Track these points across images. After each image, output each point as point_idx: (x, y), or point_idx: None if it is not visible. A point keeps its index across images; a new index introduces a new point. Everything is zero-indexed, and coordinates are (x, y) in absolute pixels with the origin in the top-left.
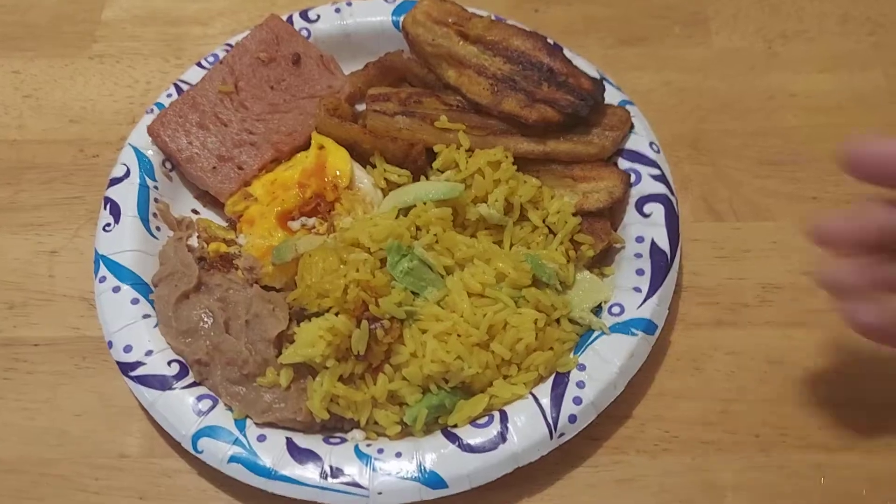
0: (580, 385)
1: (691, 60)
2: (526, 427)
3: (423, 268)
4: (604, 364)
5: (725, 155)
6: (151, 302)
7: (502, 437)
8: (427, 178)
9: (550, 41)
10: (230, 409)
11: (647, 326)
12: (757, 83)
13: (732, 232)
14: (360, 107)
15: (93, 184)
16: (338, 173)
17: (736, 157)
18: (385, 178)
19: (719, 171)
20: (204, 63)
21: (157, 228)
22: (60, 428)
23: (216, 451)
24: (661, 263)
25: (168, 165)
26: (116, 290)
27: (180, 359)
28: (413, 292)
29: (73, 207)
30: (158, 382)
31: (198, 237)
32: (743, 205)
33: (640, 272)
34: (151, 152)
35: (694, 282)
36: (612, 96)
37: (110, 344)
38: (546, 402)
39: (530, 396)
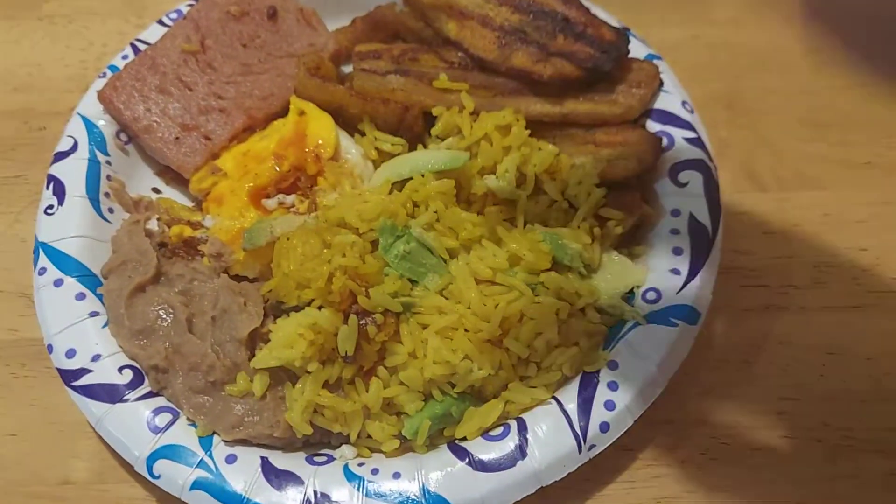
0: (612, 386)
1: (721, 11)
2: (549, 439)
3: (421, 251)
4: (640, 361)
5: (766, 116)
6: (100, 297)
7: (521, 451)
8: (425, 147)
9: None
10: (193, 423)
11: (689, 315)
12: (795, 37)
13: (778, 203)
14: (347, 68)
15: (38, 160)
16: (320, 142)
17: (778, 119)
18: (376, 148)
19: (760, 134)
20: (166, 20)
21: (110, 210)
22: None
23: (176, 476)
24: (701, 240)
25: (123, 137)
26: (59, 283)
27: (134, 364)
28: (410, 280)
29: (13, 188)
30: (107, 393)
31: (158, 220)
32: (788, 172)
33: (677, 251)
34: (103, 122)
35: (737, 261)
36: (636, 50)
37: (50, 348)
38: (572, 407)
39: (553, 401)
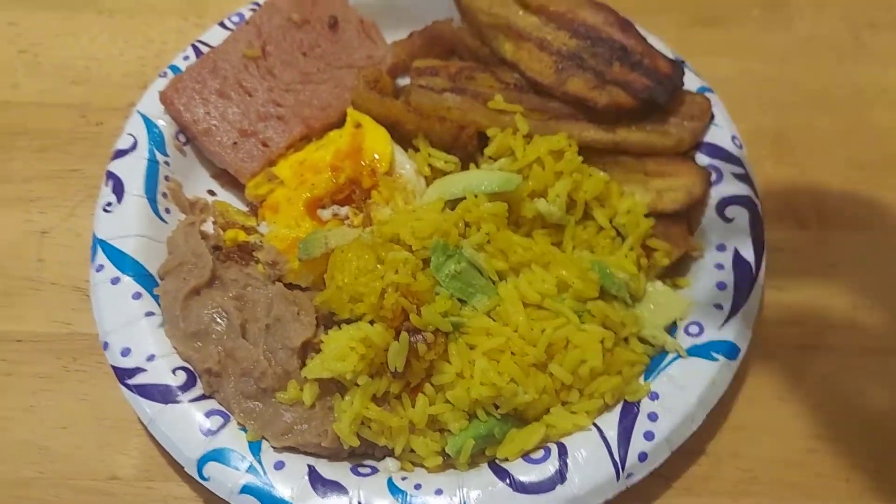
0: (652, 417)
1: (772, 47)
2: (588, 464)
3: (472, 271)
4: (680, 393)
5: (811, 154)
6: (156, 297)
7: (561, 475)
8: (478, 166)
9: (622, 15)
10: (244, 428)
11: (730, 350)
12: (844, 75)
13: (819, 242)
14: (403, 81)
15: (94, 155)
16: (376, 157)
17: (823, 158)
18: (430, 164)
19: (804, 172)
20: (227, 23)
21: (167, 211)
22: (41, 442)
23: (225, 479)
24: (745, 277)
25: (182, 138)
26: (115, 281)
27: (188, 366)
28: (460, 300)
29: (69, 181)
30: (161, 393)
31: (213, 222)
32: (831, 211)
33: (721, 286)
34: (163, 122)
35: (776, 298)
36: (689, 82)
37: (105, 345)
38: (612, 435)
39: (594, 428)
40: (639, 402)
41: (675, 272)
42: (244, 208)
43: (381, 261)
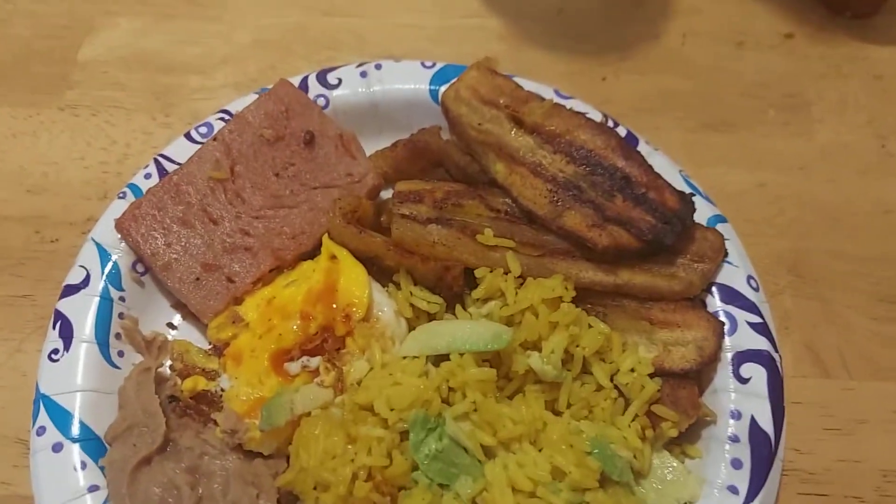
0: None
1: (790, 156)
2: None
3: (455, 449)
4: None
5: (834, 286)
6: (102, 468)
7: None
8: (465, 307)
9: (624, 131)
10: None
11: None
12: (870, 191)
13: (844, 394)
14: (386, 193)
15: (48, 278)
16: (352, 301)
17: (847, 290)
18: (412, 305)
19: (827, 307)
20: (195, 135)
21: (120, 354)
22: None
23: None
24: (763, 453)
25: (140, 268)
26: (58, 448)
27: None
28: (440, 484)
29: (19, 310)
30: None
31: (170, 367)
32: (858, 357)
33: (736, 464)
34: (119, 252)
35: (796, 462)
36: (700, 210)
37: None
38: None
39: None
40: None
41: (684, 439)
42: (206, 345)
43: (351, 439)
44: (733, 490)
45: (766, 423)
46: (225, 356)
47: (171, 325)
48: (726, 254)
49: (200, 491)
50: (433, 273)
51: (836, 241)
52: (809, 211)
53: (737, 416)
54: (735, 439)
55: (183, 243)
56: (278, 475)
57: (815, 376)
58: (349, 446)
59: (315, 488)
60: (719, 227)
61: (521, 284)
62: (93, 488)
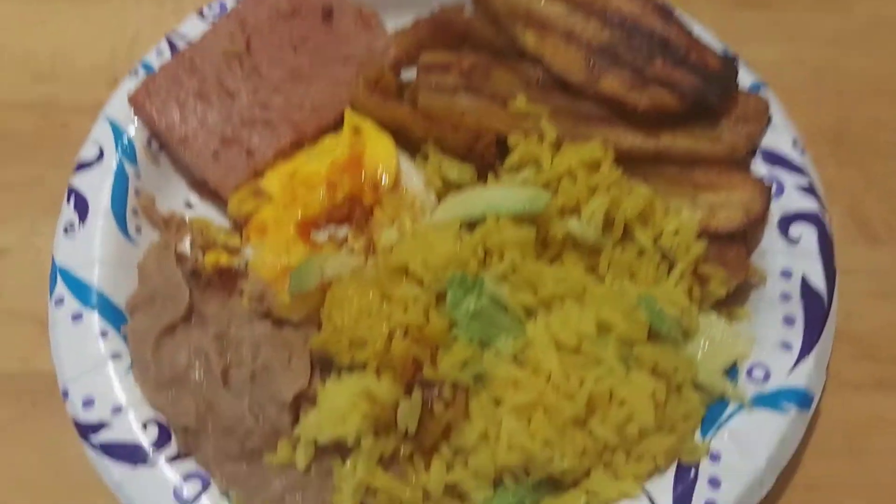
0: (714, 483)
1: (827, 30)
2: None
3: (495, 308)
4: (745, 453)
5: (877, 154)
6: (124, 336)
7: None
8: (497, 178)
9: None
10: (227, 495)
11: (802, 399)
12: None
13: (891, 259)
14: (408, 74)
15: (59, 162)
16: (379, 169)
17: (890, 158)
18: (441, 177)
19: (871, 175)
20: (207, 13)
21: (138, 230)
22: None
23: None
24: (816, 310)
25: (155, 145)
26: (78, 317)
27: (161, 418)
28: (481, 342)
29: (31, 192)
30: (129, 454)
31: (191, 243)
32: None
33: (788, 321)
34: (134, 128)
35: (846, 327)
36: (740, 78)
37: (65, 394)
38: None
39: (644, 496)
40: (696, 465)
41: (731, 302)
42: (226, 223)
43: (386, 298)
44: (786, 346)
45: (819, 281)
46: (248, 228)
47: (188, 205)
48: (770, 118)
49: (229, 357)
50: (463, 142)
51: (877, 111)
52: (849, 84)
53: (787, 275)
54: (786, 297)
55: (199, 117)
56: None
57: (862, 243)
58: (384, 305)
59: (350, 347)
60: (761, 93)
61: (558, 151)
62: (115, 356)
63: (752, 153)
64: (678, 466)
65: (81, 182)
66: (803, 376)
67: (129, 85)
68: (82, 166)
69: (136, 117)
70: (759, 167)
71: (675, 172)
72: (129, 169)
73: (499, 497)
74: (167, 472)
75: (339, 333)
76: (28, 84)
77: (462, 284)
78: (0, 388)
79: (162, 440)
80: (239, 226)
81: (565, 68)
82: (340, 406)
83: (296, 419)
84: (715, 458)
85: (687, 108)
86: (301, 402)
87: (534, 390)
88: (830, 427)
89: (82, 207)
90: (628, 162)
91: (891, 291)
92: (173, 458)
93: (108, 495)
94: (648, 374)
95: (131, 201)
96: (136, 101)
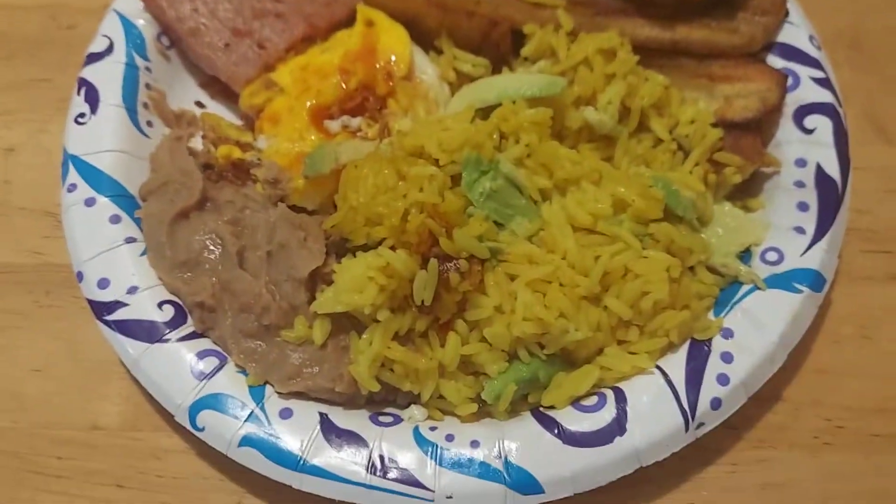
0: (726, 359)
1: None
2: (652, 413)
3: (510, 190)
4: (758, 330)
5: (892, 60)
6: (138, 221)
7: (619, 425)
8: (511, 70)
9: None
10: (243, 371)
11: (815, 281)
12: None
13: None
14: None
15: (67, 63)
16: (393, 59)
17: None
18: (455, 69)
19: (887, 80)
20: None
21: (149, 124)
22: (14, 388)
23: (223, 430)
24: (830, 196)
25: (165, 41)
26: (91, 202)
27: (176, 299)
28: (496, 223)
29: (38, 92)
30: (145, 331)
31: (203, 138)
32: None
33: (802, 207)
34: (143, 22)
35: (860, 222)
36: None
37: (80, 276)
38: (679, 379)
39: (657, 371)
40: (710, 341)
41: (746, 192)
42: (238, 122)
43: (402, 177)
44: (800, 230)
45: (833, 169)
46: (260, 120)
47: (199, 104)
48: (787, 13)
49: (244, 240)
50: (478, 30)
51: (892, 19)
52: None
53: (802, 163)
54: (801, 185)
55: (210, 7)
56: None
57: (877, 143)
58: (400, 183)
59: (366, 225)
60: None
61: (574, 41)
62: (129, 240)
63: (769, 47)
64: (691, 343)
65: (92, 74)
66: (816, 258)
67: None
68: (92, 58)
69: (145, 11)
70: (775, 61)
71: (693, 65)
72: (139, 62)
73: (513, 370)
74: (183, 350)
75: (354, 212)
76: None
77: (477, 165)
78: (15, 279)
79: (177, 320)
80: (250, 122)
81: None
82: (357, 278)
83: (312, 297)
84: (728, 334)
85: None
86: (317, 280)
87: (549, 265)
88: (842, 316)
89: (93, 98)
90: (645, 54)
91: None
92: (188, 337)
93: (123, 375)
94: (663, 252)
95: (142, 95)
96: None
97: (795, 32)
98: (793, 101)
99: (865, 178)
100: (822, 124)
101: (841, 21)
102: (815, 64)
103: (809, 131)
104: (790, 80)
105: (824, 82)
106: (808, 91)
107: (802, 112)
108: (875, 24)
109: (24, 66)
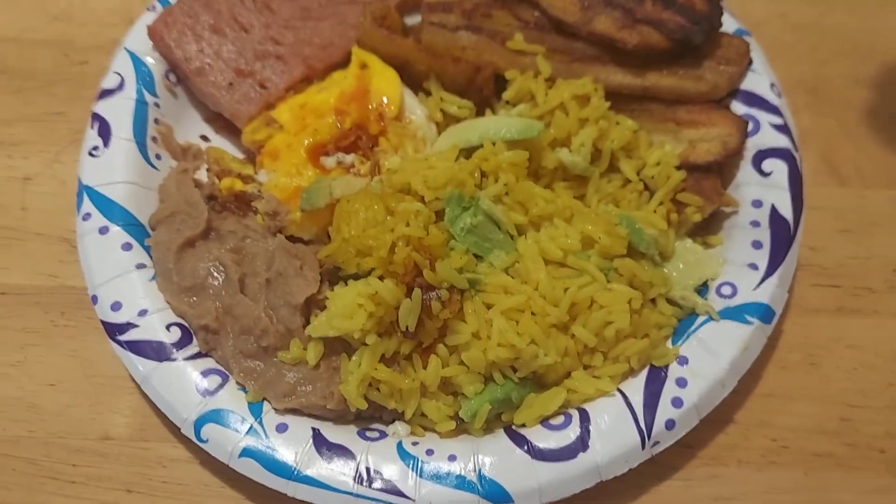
0: (681, 383)
1: None
2: (612, 432)
3: (489, 225)
4: (711, 358)
5: (851, 107)
6: (148, 248)
7: (582, 442)
8: (494, 112)
9: None
10: (243, 388)
11: (765, 313)
12: (890, 21)
13: (858, 200)
14: (412, 20)
15: (79, 97)
16: (384, 100)
17: (864, 111)
18: (442, 110)
19: (844, 126)
20: None
21: (157, 157)
22: (30, 400)
23: (225, 442)
24: (782, 235)
25: (172, 78)
26: (104, 230)
27: (182, 322)
28: (476, 255)
29: (53, 125)
30: (154, 350)
31: (207, 170)
32: (872, 169)
33: (756, 245)
34: (152, 60)
35: (811, 258)
36: (725, 24)
37: (94, 299)
38: (638, 401)
39: (618, 394)
40: (666, 367)
41: (706, 230)
42: (240, 156)
43: (391, 212)
44: (753, 267)
45: (786, 211)
46: (261, 155)
47: (204, 138)
48: (750, 62)
49: (245, 267)
50: (464, 74)
51: (855, 68)
52: (830, 39)
53: (758, 204)
54: (756, 224)
55: (215, 49)
56: None
57: (831, 184)
58: (388, 217)
59: (357, 255)
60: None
61: (551, 86)
62: (140, 266)
63: (732, 94)
64: (650, 369)
65: (104, 109)
66: (767, 293)
67: (147, 19)
68: (105, 94)
69: (154, 49)
70: (738, 107)
71: (661, 109)
72: (148, 98)
73: (488, 391)
74: (188, 368)
75: (346, 243)
76: (47, 23)
77: (459, 202)
78: (32, 300)
79: (184, 341)
80: (252, 157)
81: (560, 10)
82: (348, 305)
83: (306, 321)
84: (683, 361)
85: (673, 48)
86: (311, 306)
87: (523, 296)
88: (791, 344)
89: (105, 132)
90: (617, 99)
91: (853, 227)
92: (194, 357)
93: (131, 390)
94: (626, 285)
95: (151, 129)
96: (153, 33)
97: (758, 80)
98: (753, 145)
99: (820, 217)
100: (778, 168)
101: (802, 69)
102: (774, 111)
103: (767, 174)
104: (751, 126)
105: (783, 128)
106: (767, 136)
107: (761, 156)
108: (833, 71)
109: (39, 100)
